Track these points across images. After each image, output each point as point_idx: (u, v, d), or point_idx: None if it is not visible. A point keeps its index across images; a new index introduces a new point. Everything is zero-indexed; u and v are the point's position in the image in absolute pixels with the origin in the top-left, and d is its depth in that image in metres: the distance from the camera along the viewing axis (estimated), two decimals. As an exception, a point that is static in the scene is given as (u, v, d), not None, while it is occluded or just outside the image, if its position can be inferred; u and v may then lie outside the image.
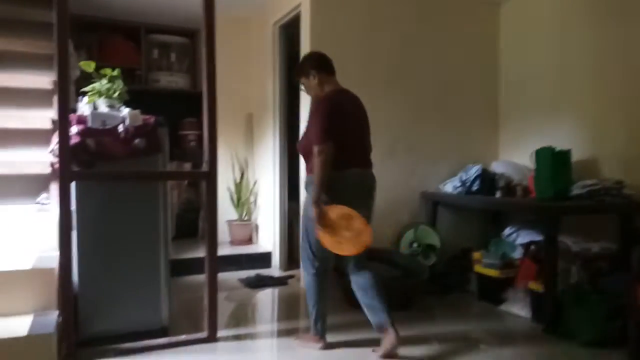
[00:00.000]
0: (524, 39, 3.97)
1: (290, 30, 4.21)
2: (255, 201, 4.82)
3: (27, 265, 2.35)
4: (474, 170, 3.67)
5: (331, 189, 2.34)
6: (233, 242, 4.67)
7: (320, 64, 2.56)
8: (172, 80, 4.87)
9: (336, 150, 2.32)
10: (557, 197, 3.09)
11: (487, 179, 3.62)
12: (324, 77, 2.53)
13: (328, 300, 2.58)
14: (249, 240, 4.73)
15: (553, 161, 3.13)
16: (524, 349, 2.66)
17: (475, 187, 3.61)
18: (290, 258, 4.24)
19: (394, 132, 3.84)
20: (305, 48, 3.64)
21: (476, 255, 3.48)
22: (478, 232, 3.98)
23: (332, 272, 3.36)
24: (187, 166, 4.83)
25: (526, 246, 3.37)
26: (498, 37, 4.19)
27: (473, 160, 3.91)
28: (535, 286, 2.97)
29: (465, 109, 4.10)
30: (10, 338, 2.06)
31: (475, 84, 4.13)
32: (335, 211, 2.35)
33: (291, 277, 3.95)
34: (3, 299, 2.28)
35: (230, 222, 4.69)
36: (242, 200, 4.75)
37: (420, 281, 3.35)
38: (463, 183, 3.66)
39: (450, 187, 3.79)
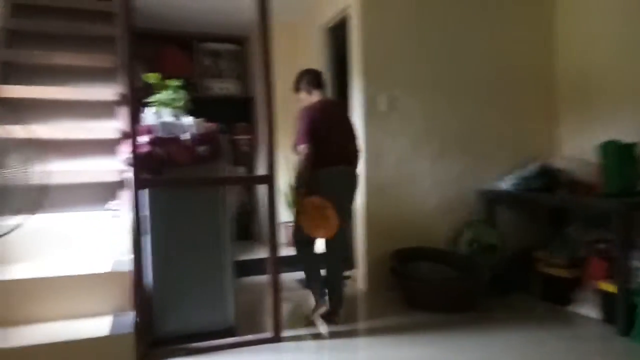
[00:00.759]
0: (584, 22, 3.73)
1: (336, 33, 4.23)
2: (307, 203, 4.85)
3: (105, 269, 2.48)
4: (533, 167, 3.56)
5: (322, 182, 2.82)
6: (289, 244, 4.73)
7: (310, 80, 3.09)
8: (223, 86, 5.01)
9: (323, 150, 2.81)
10: (624, 192, 2.96)
11: (548, 175, 3.51)
12: (312, 90, 3.08)
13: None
14: (303, 242, 4.77)
15: (619, 155, 3.00)
16: (598, 353, 2.56)
17: (535, 184, 3.50)
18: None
19: (448, 129, 3.79)
20: (354, 49, 3.64)
21: (539, 254, 3.38)
22: (539, 231, 3.86)
23: (390, 273, 3.39)
24: (241, 170, 4.95)
25: (592, 244, 3.25)
26: (555, 22, 3.98)
27: (531, 156, 3.80)
28: (606, 286, 2.85)
29: (522, 102, 3.97)
30: (93, 338, 2.20)
31: (531, 75, 3.98)
32: (313, 200, 2.79)
33: (348, 277, 3.96)
34: (85, 301, 2.43)
35: (285, 224, 4.76)
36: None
37: (480, 282, 3.29)
38: (522, 180, 3.56)
39: (508, 184, 3.70)
